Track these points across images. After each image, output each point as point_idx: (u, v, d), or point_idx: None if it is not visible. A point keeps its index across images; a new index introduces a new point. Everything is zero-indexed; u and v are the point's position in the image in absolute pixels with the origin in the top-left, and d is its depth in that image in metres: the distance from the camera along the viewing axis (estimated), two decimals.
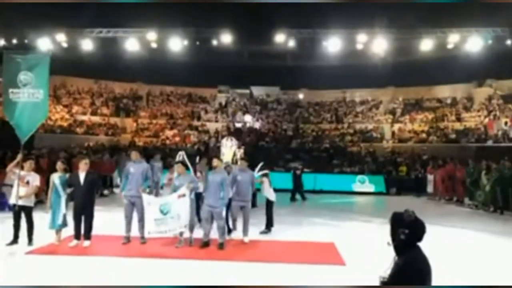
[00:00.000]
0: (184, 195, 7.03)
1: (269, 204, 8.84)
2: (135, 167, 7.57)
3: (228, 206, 8.15)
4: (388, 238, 2.64)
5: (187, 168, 8.07)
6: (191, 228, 7.32)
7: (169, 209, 6.97)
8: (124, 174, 7.77)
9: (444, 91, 24.82)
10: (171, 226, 7.00)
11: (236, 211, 7.83)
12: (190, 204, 7.11)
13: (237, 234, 7.80)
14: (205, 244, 7.21)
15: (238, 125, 24.90)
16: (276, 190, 8.96)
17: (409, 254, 2.53)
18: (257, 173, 8.68)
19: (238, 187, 7.73)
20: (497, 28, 16.74)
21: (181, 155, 9.19)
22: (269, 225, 8.78)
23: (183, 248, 7.13)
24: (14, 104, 7.06)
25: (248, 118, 25.29)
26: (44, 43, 17.45)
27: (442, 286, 3.86)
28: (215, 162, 7.62)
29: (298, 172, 14.76)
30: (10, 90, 7.06)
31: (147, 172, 7.61)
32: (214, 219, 7.24)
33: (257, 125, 24.92)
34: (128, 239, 7.41)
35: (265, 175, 8.80)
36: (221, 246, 7.17)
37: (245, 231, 7.84)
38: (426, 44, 17.43)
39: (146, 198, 7.18)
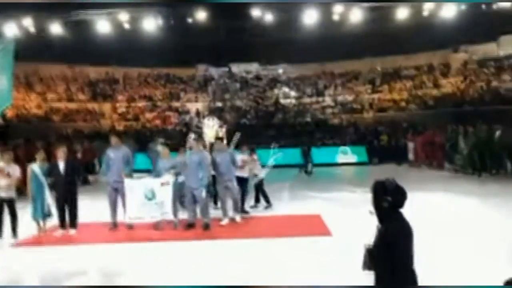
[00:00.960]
0: (168, 183, 7.03)
1: (259, 182, 8.90)
2: (115, 152, 7.46)
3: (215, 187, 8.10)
4: (371, 207, 2.68)
5: None
6: (175, 213, 7.31)
7: (153, 195, 6.97)
8: (104, 160, 7.66)
9: (421, 59, 24.98)
10: (154, 212, 7.01)
11: (223, 193, 7.69)
12: (173, 191, 7.11)
13: (226, 220, 7.63)
14: (190, 225, 7.21)
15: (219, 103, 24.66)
16: (263, 167, 9.06)
17: (391, 221, 2.59)
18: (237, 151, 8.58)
19: (219, 169, 7.60)
20: None
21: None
22: (267, 200, 8.93)
23: (169, 231, 7.14)
24: None
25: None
26: (10, 29, 16.68)
27: (440, 286, 3.99)
28: (190, 143, 7.57)
29: (305, 148, 15.95)
30: None
31: (128, 157, 7.51)
32: (196, 200, 7.20)
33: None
34: (114, 225, 7.38)
35: (253, 150, 8.81)
36: (206, 226, 7.17)
37: (235, 209, 7.83)
38: (402, 13, 17.39)
39: (128, 182, 7.12)
